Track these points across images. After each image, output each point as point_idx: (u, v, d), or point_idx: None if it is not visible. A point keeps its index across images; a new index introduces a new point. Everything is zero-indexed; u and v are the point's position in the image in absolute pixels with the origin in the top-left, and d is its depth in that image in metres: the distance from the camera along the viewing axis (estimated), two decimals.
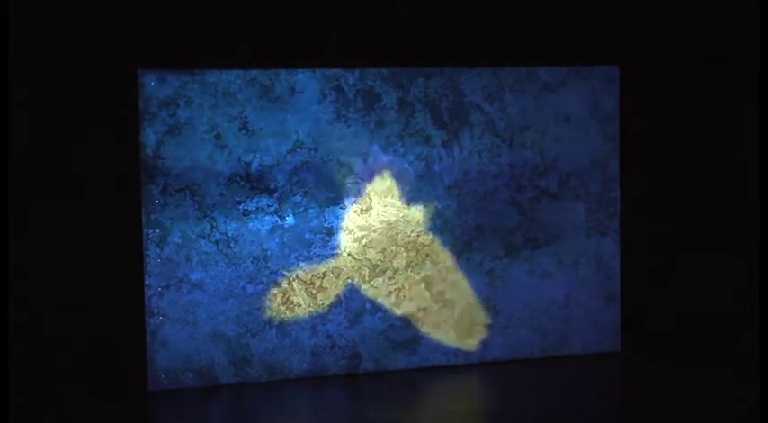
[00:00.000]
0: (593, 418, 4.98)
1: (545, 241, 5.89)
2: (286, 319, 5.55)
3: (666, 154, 6.24)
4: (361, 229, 5.63)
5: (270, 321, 5.53)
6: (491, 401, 5.29)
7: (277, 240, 5.52)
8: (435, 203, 5.68)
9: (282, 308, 5.54)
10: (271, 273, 5.52)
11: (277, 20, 5.61)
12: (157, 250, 5.38)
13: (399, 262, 5.68)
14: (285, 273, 5.53)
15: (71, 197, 5.44)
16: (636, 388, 5.51)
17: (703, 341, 6.08)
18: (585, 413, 5.05)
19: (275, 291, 5.53)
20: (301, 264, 5.55)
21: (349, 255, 5.61)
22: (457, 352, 5.80)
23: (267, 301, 5.52)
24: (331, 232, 5.59)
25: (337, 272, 5.60)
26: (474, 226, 5.78)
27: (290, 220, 5.53)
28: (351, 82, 5.58)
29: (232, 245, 5.46)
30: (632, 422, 4.94)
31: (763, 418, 4.49)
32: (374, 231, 5.64)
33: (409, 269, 5.70)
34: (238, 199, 5.47)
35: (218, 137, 5.42)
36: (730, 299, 6.28)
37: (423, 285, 5.73)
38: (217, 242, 5.45)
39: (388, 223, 5.66)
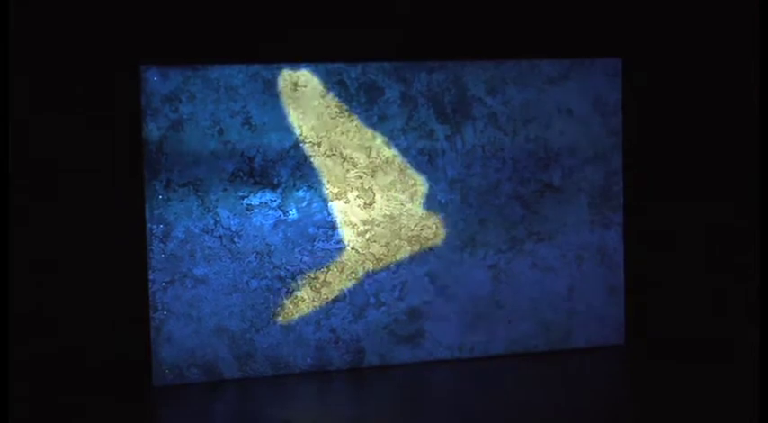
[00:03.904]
0: (597, 412, 4.99)
1: (548, 235, 5.89)
2: (290, 314, 5.56)
3: (669, 147, 6.24)
4: (365, 223, 5.63)
5: (274, 316, 5.54)
6: (496, 395, 5.29)
7: (281, 235, 5.52)
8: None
9: (287, 302, 5.55)
10: (274, 268, 5.52)
11: (279, 14, 5.61)
12: (161, 245, 5.38)
13: (403, 256, 5.69)
14: (289, 267, 5.53)
15: (74, 193, 5.44)
16: (639, 382, 5.50)
17: (706, 335, 6.08)
18: (589, 407, 5.05)
19: (279, 285, 5.53)
20: (305, 258, 5.55)
21: (353, 249, 5.61)
22: (461, 346, 5.80)
23: (271, 296, 5.52)
24: (334, 227, 5.59)
25: (341, 266, 5.60)
26: (477, 220, 5.78)
27: (293, 214, 5.53)
28: (353, 76, 5.58)
29: (236, 240, 5.46)
30: (635, 416, 4.94)
31: (763, 416, 4.49)
32: (378, 225, 5.64)
33: (413, 263, 5.70)
34: (242, 194, 5.46)
35: (221, 132, 5.42)
36: (733, 294, 6.28)
37: (426, 279, 5.73)
38: (220, 237, 5.45)
39: (392, 217, 5.66)
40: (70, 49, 5.40)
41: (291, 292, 5.55)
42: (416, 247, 5.70)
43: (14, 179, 5.14)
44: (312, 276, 5.57)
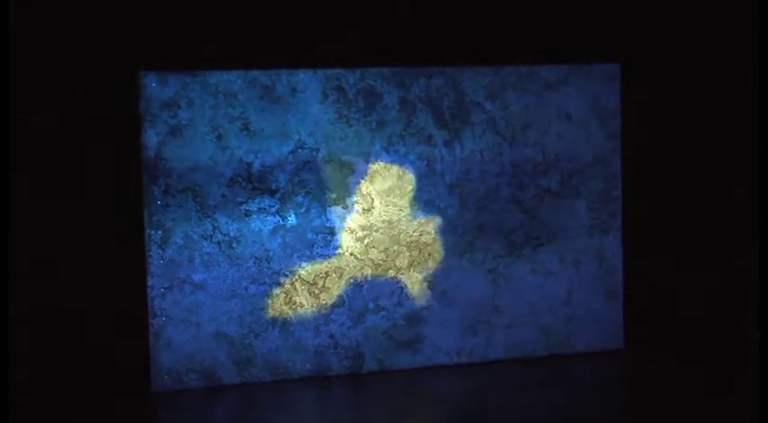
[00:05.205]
0: (597, 416, 4.99)
1: (547, 239, 5.89)
2: (289, 319, 5.56)
3: (668, 151, 6.24)
4: (364, 228, 5.63)
5: (273, 322, 5.54)
6: (495, 400, 5.29)
7: (279, 240, 5.52)
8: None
9: (285, 308, 5.55)
10: (273, 273, 5.52)
11: (278, 20, 5.61)
12: (160, 251, 5.38)
13: (402, 261, 5.69)
14: (287, 273, 5.54)
15: (73, 199, 5.43)
16: (638, 386, 5.51)
17: (705, 339, 6.08)
18: (589, 411, 5.05)
19: (278, 291, 5.53)
20: (304, 264, 5.55)
21: (351, 254, 5.61)
22: (460, 351, 5.80)
23: (270, 302, 5.53)
24: (333, 232, 5.59)
25: (340, 272, 5.60)
26: (476, 225, 5.78)
27: (292, 220, 5.53)
28: (352, 82, 5.58)
29: (234, 245, 5.47)
30: (635, 420, 4.94)
31: (763, 416, 4.49)
32: (376, 231, 5.64)
33: (411, 268, 5.70)
34: (240, 199, 5.47)
35: (219, 138, 5.42)
36: (732, 297, 6.28)
37: (425, 284, 5.73)
38: (219, 243, 5.45)
39: (390, 222, 5.66)
40: (69, 54, 5.39)
41: (290, 298, 5.55)
42: (415, 253, 5.70)
43: (14, 184, 5.12)
44: (311, 282, 5.57)
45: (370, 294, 5.65)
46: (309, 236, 5.55)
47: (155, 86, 5.34)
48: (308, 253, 5.56)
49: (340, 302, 5.61)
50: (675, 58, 6.18)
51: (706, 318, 6.24)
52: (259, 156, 5.47)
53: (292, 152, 5.51)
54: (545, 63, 5.81)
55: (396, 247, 5.68)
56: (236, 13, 5.54)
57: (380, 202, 5.64)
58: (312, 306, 5.58)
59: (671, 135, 6.23)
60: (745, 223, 6.20)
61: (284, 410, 5.20)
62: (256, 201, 5.49)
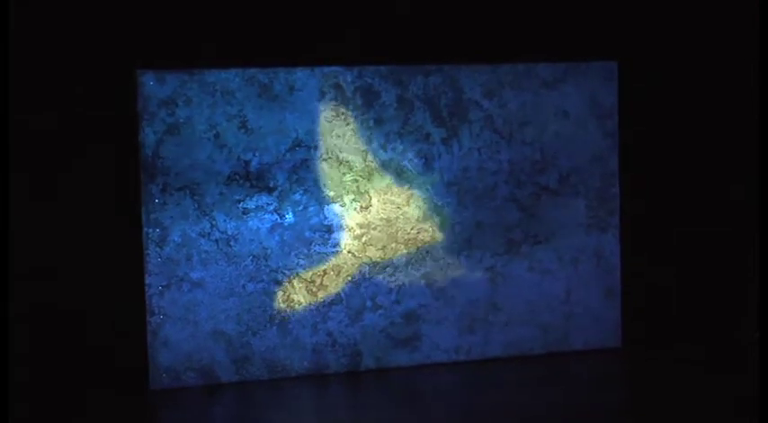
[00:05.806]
0: (595, 415, 4.98)
1: (545, 237, 5.89)
2: (287, 317, 5.56)
3: (666, 149, 6.24)
4: (361, 226, 5.63)
5: (271, 319, 5.54)
6: (493, 398, 5.29)
7: (277, 239, 5.52)
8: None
9: (283, 306, 5.55)
10: (271, 271, 5.52)
11: (275, 18, 5.62)
12: (157, 249, 5.39)
13: (399, 259, 5.69)
14: (285, 271, 5.54)
15: (72, 198, 5.44)
16: (636, 384, 5.50)
17: (704, 337, 6.08)
18: (587, 410, 5.05)
19: (276, 289, 5.53)
20: (301, 262, 5.56)
21: (349, 252, 5.62)
22: (458, 349, 5.80)
23: (268, 300, 5.53)
24: (331, 230, 5.59)
25: (337, 270, 5.61)
26: (474, 223, 5.79)
27: (289, 218, 5.54)
28: (349, 80, 5.59)
29: (232, 243, 5.47)
30: (633, 419, 4.94)
31: (763, 416, 4.48)
32: (374, 229, 5.65)
33: (409, 266, 5.70)
34: (238, 197, 5.47)
35: (217, 136, 5.43)
36: (731, 295, 6.27)
37: (423, 282, 5.73)
38: (217, 241, 5.45)
39: (388, 220, 5.66)
40: (66, 53, 5.40)
41: (288, 296, 5.56)
42: (413, 250, 5.70)
43: (12, 182, 5.13)
44: (309, 280, 5.58)
45: (368, 292, 5.66)
46: (307, 234, 5.56)
47: (152, 85, 5.35)
48: (305, 251, 5.56)
49: (338, 300, 5.62)
50: (673, 56, 6.18)
51: (705, 316, 6.24)
52: (257, 154, 5.48)
53: (290, 150, 5.52)
54: (542, 61, 5.82)
55: (393, 245, 5.68)
56: (233, 12, 5.55)
57: (378, 200, 5.64)
58: (310, 304, 5.58)
59: (669, 133, 6.23)
60: (743, 222, 6.20)
61: (282, 408, 5.21)
62: (254, 199, 5.49)
